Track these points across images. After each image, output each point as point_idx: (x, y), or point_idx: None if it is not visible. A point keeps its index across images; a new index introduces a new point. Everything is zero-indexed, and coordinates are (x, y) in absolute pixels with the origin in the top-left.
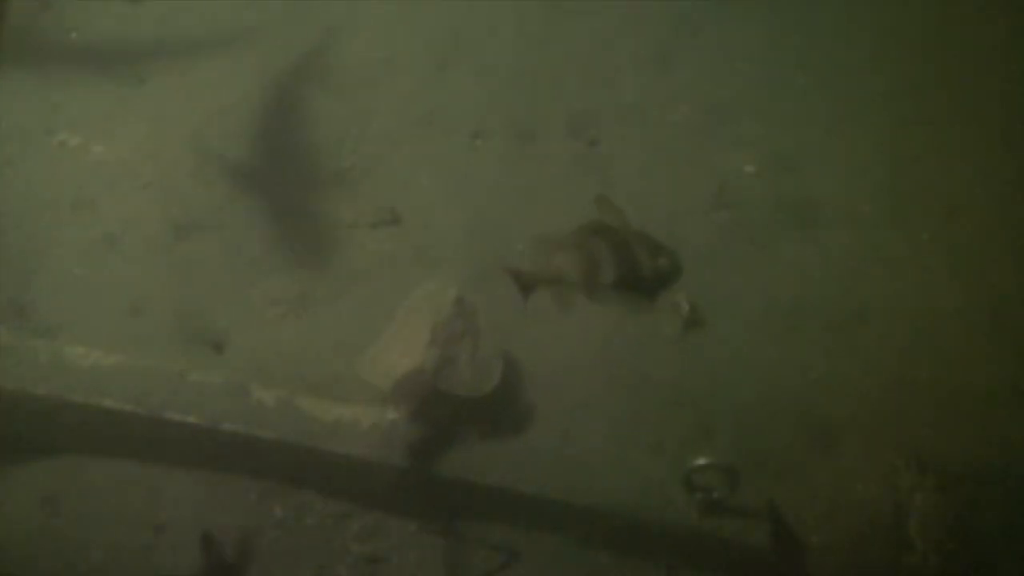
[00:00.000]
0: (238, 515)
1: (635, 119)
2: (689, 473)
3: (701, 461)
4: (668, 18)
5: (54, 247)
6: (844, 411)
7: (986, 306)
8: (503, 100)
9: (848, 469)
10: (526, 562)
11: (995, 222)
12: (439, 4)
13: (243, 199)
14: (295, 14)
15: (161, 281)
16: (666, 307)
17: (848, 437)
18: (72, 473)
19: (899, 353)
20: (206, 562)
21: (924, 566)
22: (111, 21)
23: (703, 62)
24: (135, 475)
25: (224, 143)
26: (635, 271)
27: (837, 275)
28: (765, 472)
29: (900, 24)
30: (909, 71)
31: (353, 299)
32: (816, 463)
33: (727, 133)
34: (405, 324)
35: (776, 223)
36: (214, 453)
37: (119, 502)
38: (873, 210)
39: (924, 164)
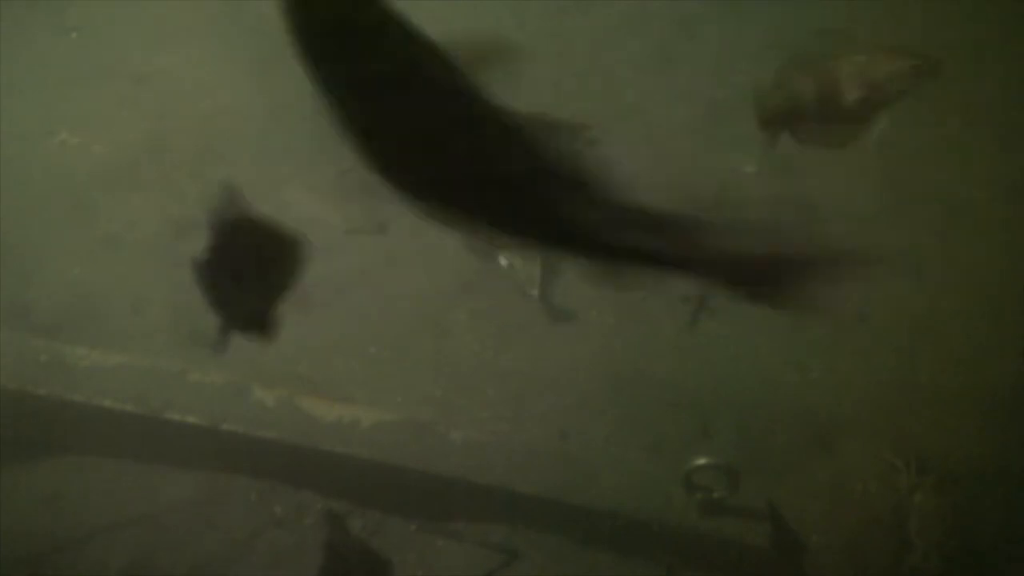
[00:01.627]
0: (238, 515)
1: (635, 119)
2: (689, 473)
3: (701, 461)
4: (668, 18)
5: (54, 247)
6: (844, 411)
7: (986, 306)
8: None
9: (848, 469)
10: (526, 562)
11: (995, 222)
12: (439, 4)
13: (244, 199)
14: None
15: (161, 281)
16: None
17: (848, 437)
18: (72, 473)
19: (899, 353)
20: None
21: (924, 566)
22: (111, 21)
23: (703, 62)
24: (135, 475)
25: (224, 143)
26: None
27: (837, 275)
28: (765, 472)
29: (900, 24)
30: None
31: (353, 299)
32: (816, 463)
33: (727, 133)
34: None
35: (776, 223)
36: (214, 453)
37: (119, 502)
38: (873, 210)
39: (924, 164)
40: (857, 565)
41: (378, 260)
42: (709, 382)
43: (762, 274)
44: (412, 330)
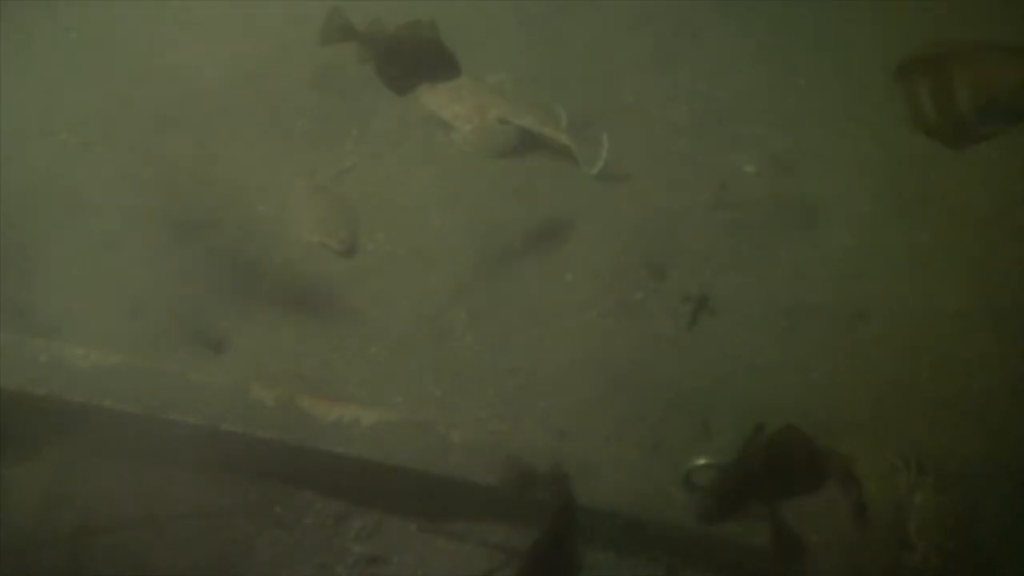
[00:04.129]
0: (238, 515)
1: (635, 119)
2: (689, 473)
3: (701, 461)
4: (668, 18)
5: (54, 247)
6: (844, 411)
7: (986, 306)
8: None
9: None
10: None
11: (995, 222)
12: (439, 4)
13: (243, 199)
14: (293, 15)
15: (161, 281)
16: (673, 299)
17: (848, 437)
18: (72, 473)
19: (899, 353)
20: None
21: (924, 566)
22: (110, 21)
23: (703, 62)
24: (135, 475)
25: (224, 143)
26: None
27: (837, 275)
28: None
29: (899, 24)
30: None
31: (352, 299)
32: None
33: (727, 133)
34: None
35: (776, 223)
36: (214, 453)
37: (119, 502)
38: (873, 210)
39: (924, 164)
40: (857, 565)
41: (377, 260)
42: (709, 382)
43: None
44: (412, 330)
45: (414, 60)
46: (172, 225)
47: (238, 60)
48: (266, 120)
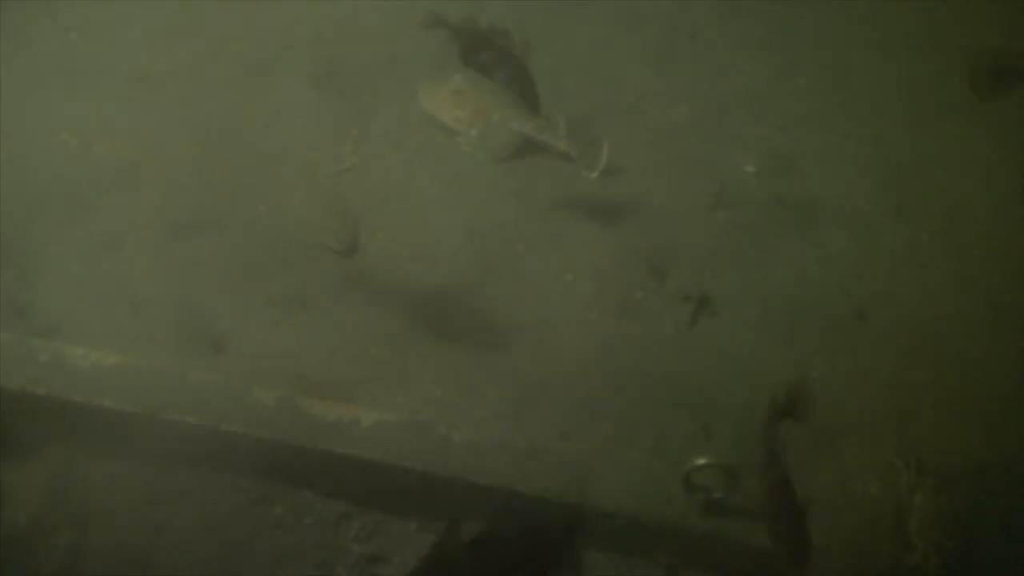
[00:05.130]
0: (238, 515)
1: (635, 119)
2: (689, 473)
3: (701, 461)
4: (668, 18)
5: (54, 247)
6: (844, 411)
7: (986, 306)
8: None
9: (848, 469)
10: None
11: (995, 222)
12: (439, 4)
13: (243, 199)
14: (294, 15)
15: (161, 281)
16: (673, 299)
17: (848, 437)
18: (72, 473)
19: (899, 353)
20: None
21: (924, 566)
22: (110, 21)
23: (703, 62)
24: (135, 475)
25: (224, 143)
26: None
27: (837, 275)
28: None
29: (900, 24)
30: (909, 71)
31: (352, 299)
32: (816, 463)
33: (727, 133)
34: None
35: (776, 223)
36: (214, 453)
37: (119, 502)
38: (873, 210)
39: (924, 164)
40: (857, 565)
41: (377, 260)
42: (709, 382)
43: None
44: (412, 330)
45: (493, 61)
46: (172, 225)
47: (238, 60)
48: (266, 120)
